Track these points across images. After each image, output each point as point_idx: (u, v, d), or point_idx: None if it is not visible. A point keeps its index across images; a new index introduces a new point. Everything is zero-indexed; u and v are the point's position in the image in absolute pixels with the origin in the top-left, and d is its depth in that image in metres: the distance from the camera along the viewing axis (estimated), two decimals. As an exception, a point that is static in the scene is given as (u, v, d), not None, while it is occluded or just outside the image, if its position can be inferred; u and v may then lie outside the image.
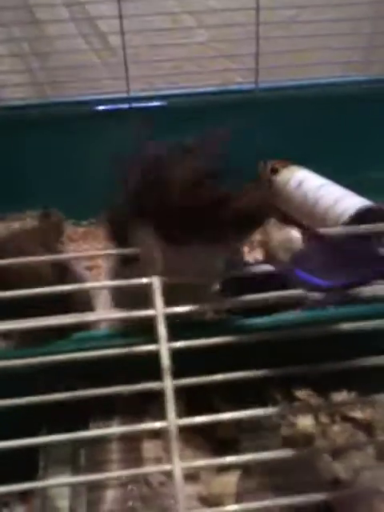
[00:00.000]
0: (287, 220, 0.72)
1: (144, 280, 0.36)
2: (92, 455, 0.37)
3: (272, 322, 0.40)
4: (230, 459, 0.32)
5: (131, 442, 0.38)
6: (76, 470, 0.36)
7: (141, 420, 0.39)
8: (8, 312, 0.37)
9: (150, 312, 0.35)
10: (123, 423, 0.39)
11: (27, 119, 0.77)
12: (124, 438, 0.37)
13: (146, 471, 0.33)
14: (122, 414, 0.39)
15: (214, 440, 0.39)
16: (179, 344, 0.34)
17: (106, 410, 0.39)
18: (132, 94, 0.77)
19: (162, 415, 0.38)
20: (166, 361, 0.33)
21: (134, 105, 0.77)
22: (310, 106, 0.78)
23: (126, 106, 0.77)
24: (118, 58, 0.91)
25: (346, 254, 0.35)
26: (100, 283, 0.41)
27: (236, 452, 0.38)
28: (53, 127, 0.78)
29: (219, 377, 0.33)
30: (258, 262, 0.53)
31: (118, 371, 0.37)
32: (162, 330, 0.34)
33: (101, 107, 0.78)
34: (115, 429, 0.35)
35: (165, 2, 0.94)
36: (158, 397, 0.34)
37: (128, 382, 0.35)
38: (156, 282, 0.36)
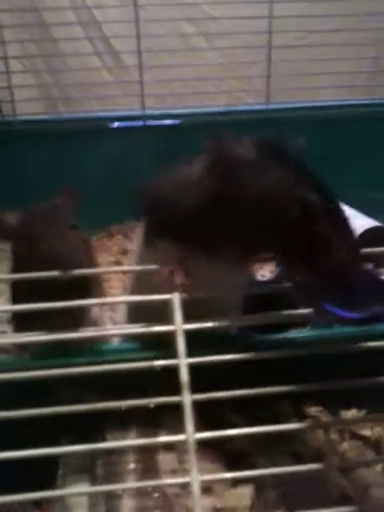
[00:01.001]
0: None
1: (164, 296, 0.38)
2: (109, 465, 0.38)
3: (287, 339, 0.41)
4: (246, 473, 0.33)
5: (147, 454, 0.39)
6: (94, 480, 0.37)
7: (156, 431, 0.40)
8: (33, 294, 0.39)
9: (169, 327, 0.37)
10: (139, 434, 0.40)
11: (42, 134, 0.80)
12: (140, 449, 0.38)
13: (165, 483, 0.34)
14: (138, 426, 0.40)
15: (226, 452, 0.40)
16: (197, 359, 0.35)
17: (121, 420, 0.40)
18: (147, 112, 0.79)
19: (176, 427, 0.39)
20: (184, 376, 0.34)
21: (149, 122, 0.80)
22: (318, 127, 0.81)
23: (140, 123, 0.80)
24: (130, 76, 0.95)
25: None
26: (123, 298, 0.42)
27: (248, 465, 0.39)
28: (66, 142, 0.80)
29: (236, 393, 0.34)
30: (269, 281, 0.55)
31: (132, 382, 0.38)
32: (181, 345, 0.36)
33: (116, 124, 0.80)
34: (136, 441, 0.36)
35: (179, 23, 0.97)
36: (171, 409, 0.35)
37: (141, 393, 0.36)
38: (176, 298, 0.37)
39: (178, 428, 0.41)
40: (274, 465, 0.39)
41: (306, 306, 0.38)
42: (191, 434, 0.32)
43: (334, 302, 0.35)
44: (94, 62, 0.99)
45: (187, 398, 0.33)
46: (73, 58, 0.96)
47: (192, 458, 0.31)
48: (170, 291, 0.38)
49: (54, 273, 0.39)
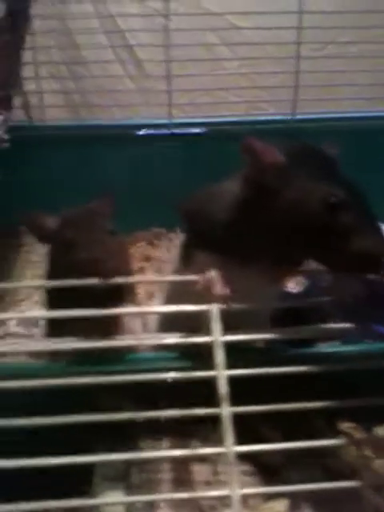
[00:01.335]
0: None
1: (202, 306, 0.38)
2: (144, 474, 0.38)
3: (322, 353, 0.41)
4: (284, 488, 0.33)
5: (181, 464, 0.39)
6: (129, 488, 0.37)
7: (188, 441, 0.40)
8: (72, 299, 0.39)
9: (207, 338, 0.37)
10: (172, 443, 0.40)
11: (69, 139, 0.81)
12: (175, 459, 0.38)
13: (206, 496, 0.34)
14: (171, 435, 0.40)
15: (259, 465, 0.40)
16: (236, 372, 0.35)
17: (154, 428, 0.41)
18: (174, 121, 0.80)
19: (209, 438, 0.39)
20: (223, 388, 0.34)
21: (175, 131, 0.80)
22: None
23: (166, 131, 0.80)
24: (152, 84, 0.96)
25: None
26: (161, 307, 0.42)
27: (281, 478, 0.39)
28: (93, 148, 0.81)
29: (275, 407, 0.34)
30: (298, 293, 0.54)
31: (166, 391, 0.38)
32: (219, 357, 0.36)
33: (142, 131, 0.81)
34: (176, 452, 0.36)
35: (203, 34, 0.98)
36: (204, 419, 0.35)
37: (175, 402, 0.36)
38: (214, 308, 0.38)
39: (212, 439, 0.41)
40: (307, 479, 0.39)
41: (346, 321, 0.38)
42: (231, 447, 0.32)
43: (379, 317, 0.35)
44: (116, 70, 1.00)
45: (226, 411, 0.33)
46: (95, 65, 0.98)
47: (232, 470, 0.31)
48: (208, 302, 0.38)
49: (94, 280, 0.39)
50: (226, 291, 0.38)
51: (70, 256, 0.42)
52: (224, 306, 0.38)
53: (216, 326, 0.37)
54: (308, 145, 0.42)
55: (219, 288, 0.38)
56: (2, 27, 0.70)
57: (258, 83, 0.94)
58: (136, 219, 0.84)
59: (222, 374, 0.35)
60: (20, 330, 0.69)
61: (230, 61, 0.97)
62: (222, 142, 0.81)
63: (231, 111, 0.91)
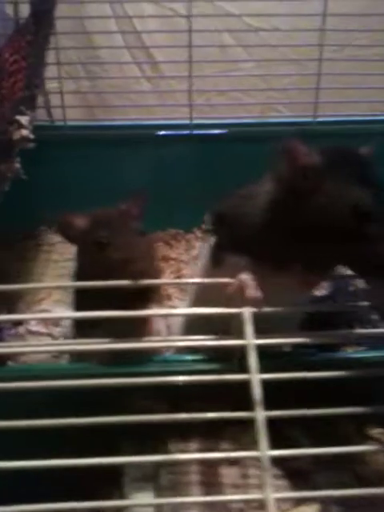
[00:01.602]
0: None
1: (235, 309, 0.38)
2: (173, 475, 0.38)
3: (352, 358, 0.41)
4: (316, 493, 0.33)
5: (210, 467, 0.39)
6: (158, 489, 0.37)
7: (217, 443, 0.40)
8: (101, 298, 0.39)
9: (240, 342, 0.37)
10: (201, 445, 0.40)
11: (89, 139, 0.81)
12: (204, 461, 0.38)
13: (240, 498, 0.34)
14: (199, 436, 0.40)
15: (288, 469, 0.40)
16: (269, 376, 0.35)
17: (183, 429, 0.41)
18: (194, 122, 0.80)
19: (238, 440, 0.38)
20: (257, 392, 0.34)
21: (195, 132, 0.80)
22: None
23: (186, 132, 0.81)
24: (167, 86, 0.96)
25: None
26: (193, 310, 0.42)
27: (310, 483, 0.39)
28: (113, 148, 0.81)
29: (308, 412, 0.34)
30: (324, 297, 0.54)
31: (197, 393, 0.38)
32: (253, 360, 0.36)
33: (162, 132, 0.81)
34: (208, 455, 0.36)
35: (219, 35, 0.98)
36: (233, 421, 0.35)
37: (205, 404, 0.36)
38: (247, 312, 0.38)
39: (240, 441, 0.41)
40: (336, 484, 0.39)
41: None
42: (265, 451, 0.32)
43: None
44: (132, 71, 1.00)
45: (261, 415, 0.33)
46: (112, 65, 0.98)
47: (267, 475, 0.31)
48: (238, 305, 0.38)
49: (127, 282, 0.39)
50: (258, 294, 0.38)
51: (102, 256, 0.42)
52: (255, 310, 0.38)
53: (249, 328, 0.37)
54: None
55: (251, 291, 0.38)
56: (26, 28, 0.70)
57: (273, 85, 0.94)
58: (153, 220, 0.84)
59: (255, 377, 0.35)
60: (40, 328, 0.69)
61: (246, 62, 0.97)
62: (241, 144, 0.81)
63: (248, 113, 0.91)
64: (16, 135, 0.58)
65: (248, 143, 0.80)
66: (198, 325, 0.44)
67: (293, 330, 0.43)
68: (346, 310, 0.42)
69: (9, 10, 0.91)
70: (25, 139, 0.59)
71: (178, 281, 0.55)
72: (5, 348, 0.45)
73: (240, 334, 0.37)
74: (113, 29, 0.99)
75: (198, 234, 0.86)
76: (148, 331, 0.43)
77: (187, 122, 0.80)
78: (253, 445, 0.42)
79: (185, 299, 0.63)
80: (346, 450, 0.35)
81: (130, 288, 0.40)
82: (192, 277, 0.62)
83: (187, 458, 0.35)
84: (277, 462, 0.40)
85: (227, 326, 0.40)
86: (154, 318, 0.46)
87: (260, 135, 0.79)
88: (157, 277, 0.44)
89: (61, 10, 0.92)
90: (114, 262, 0.40)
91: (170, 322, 0.51)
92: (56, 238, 0.83)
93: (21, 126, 0.59)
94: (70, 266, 0.48)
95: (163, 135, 0.81)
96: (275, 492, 0.33)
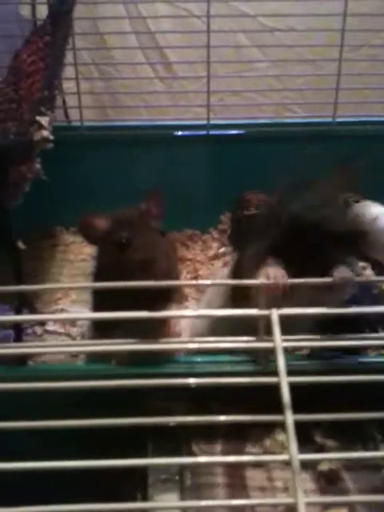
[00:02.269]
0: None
1: (263, 311, 0.38)
2: (198, 477, 0.38)
3: (380, 362, 0.40)
4: (347, 498, 0.33)
5: (235, 469, 0.38)
6: (183, 491, 0.37)
7: (241, 445, 0.40)
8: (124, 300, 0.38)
9: (268, 344, 0.36)
10: (225, 447, 0.40)
11: (105, 139, 0.81)
12: (229, 464, 0.38)
13: (270, 502, 0.34)
14: (224, 438, 0.40)
15: (317, 472, 0.40)
16: (298, 379, 0.35)
17: (207, 431, 0.40)
18: (211, 122, 0.80)
19: (262, 442, 0.38)
20: (286, 395, 0.34)
21: (212, 132, 0.80)
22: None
23: (203, 132, 0.80)
24: (180, 86, 0.95)
25: None
26: (221, 311, 0.42)
27: (338, 487, 0.39)
28: (130, 149, 0.81)
29: (337, 416, 0.34)
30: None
31: (221, 395, 0.38)
32: (281, 363, 0.35)
33: (179, 132, 0.81)
34: (237, 458, 0.36)
35: (234, 35, 0.98)
36: (257, 424, 0.34)
37: (231, 406, 0.36)
38: (274, 314, 0.37)
39: (264, 443, 0.41)
40: (364, 487, 0.38)
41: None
42: (295, 455, 0.32)
43: None
44: (146, 72, 1.00)
45: (290, 418, 0.33)
46: (125, 66, 0.98)
47: (298, 478, 0.31)
48: (268, 307, 0.38)
49: (150, 282, 0.39)
50: (286, 296, 0.38)
51: (123, 257, 0.42)
52: (283, 311, 0.37)
53: (276, 330, 0.36)
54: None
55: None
56: (44, 29, 0.70)
57: (288, 85, 0.94)
58: (170, 220, 0.84)
59: (284, 380, 0.34)
60: (57, 328, 0.69)
61: (261, 62, 0.97)
62: (257, 144, 0.80)
63: (262, 113, 0.91)
64: (36, 136, 0.58)
65: (264, 143, 0.79)
66: (222, 326, 0.44)
67: (313, 332, 0.43)
68: (370, 313, 0.41)
69: (24, 11, 0.92)
70: (45, 140, 0.59)
71: (200, 282, 0.54)
72: (28, 348, 0.45)
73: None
74: (127, 29, 1.00)
75: (215, 234, 0.86)
76: (168, 332, 0.43)
77: (204, 122, 0.80)
78: (276, 447, 0.42)
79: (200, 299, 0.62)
80: (374, 454, 0.34)
81: (151, 288, 0.39)
82: (209, 277, 0.61)
83: (211, 460, 0.35)
84: (305, 465, 0.40)
85: (247, 328, 0.39)
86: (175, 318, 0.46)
87: (277, 135, 0.79)
88: (177, 277, 0.44)
89: (75, 10, 0.93)
90: (135, 263, 0.40)
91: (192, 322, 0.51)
92: (72, 238, 0.83)
93: (41, 126, 0.59)
94: (86, 266, 0.48)
95: (180, 136, 0.81)
96: (304, 496, 0.32)
